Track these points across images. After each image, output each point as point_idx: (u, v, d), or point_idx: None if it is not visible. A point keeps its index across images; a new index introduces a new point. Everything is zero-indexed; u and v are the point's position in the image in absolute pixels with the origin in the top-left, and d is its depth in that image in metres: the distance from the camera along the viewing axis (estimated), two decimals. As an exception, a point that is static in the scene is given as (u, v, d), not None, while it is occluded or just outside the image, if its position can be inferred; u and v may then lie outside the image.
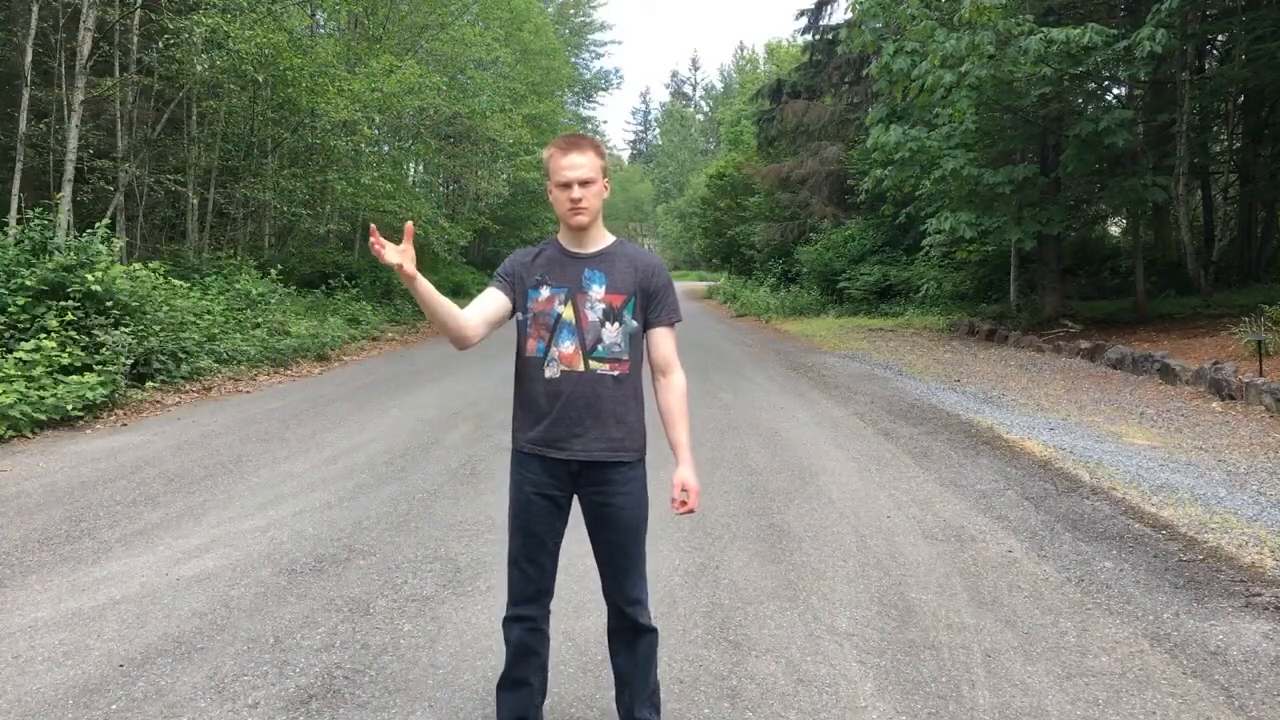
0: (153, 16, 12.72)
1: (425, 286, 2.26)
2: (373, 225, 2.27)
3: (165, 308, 9.81)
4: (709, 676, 3.14)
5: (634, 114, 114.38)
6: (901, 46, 12.72)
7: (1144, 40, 10.48)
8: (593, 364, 2.44)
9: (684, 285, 40.93)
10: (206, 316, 11.03)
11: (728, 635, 3.47)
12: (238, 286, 12.98)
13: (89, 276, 8.67)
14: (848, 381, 10.41)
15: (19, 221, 10.07)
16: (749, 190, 30.29)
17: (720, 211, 34.28)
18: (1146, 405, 8.23)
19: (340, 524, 4.90)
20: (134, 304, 9.20)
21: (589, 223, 2.47)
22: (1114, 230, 20.92)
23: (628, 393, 2.48)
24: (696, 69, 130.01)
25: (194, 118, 15.11)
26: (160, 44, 12.84)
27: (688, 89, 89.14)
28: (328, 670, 3.19)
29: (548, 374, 2.45)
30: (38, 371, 7.74)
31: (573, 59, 46.43)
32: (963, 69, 11.79)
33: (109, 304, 8.82)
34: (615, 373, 2.46)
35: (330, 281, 17.11)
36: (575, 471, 2.48)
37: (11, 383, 7.42)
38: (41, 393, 7.52)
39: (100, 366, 8.29)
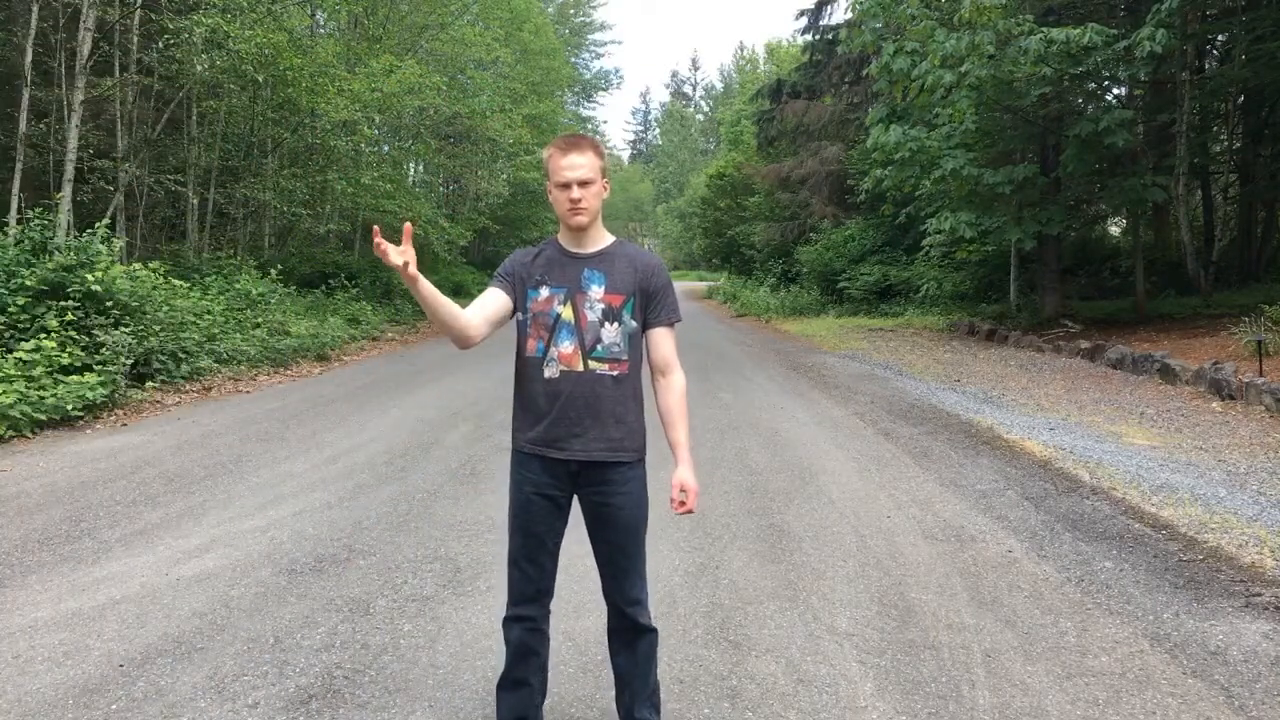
0: (153, 16, 12.72)
1: (427, 287, 2.26)
2: (376, 227, 2.27)
3: (165, 308, 9.81)
4: (709, 676, 3.14)
5: (634, 114, 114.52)
6: (901, 46, 12.72)
7: (1144, 40, 10.48)
8: (592, 364, 2.44)
9: (684, 285, 40.95)
10: (206, 316, 11.03)
11: (728, 635, 3.47)
12: (238, 286, 12.98)
13: (89, 276, 8.67)
14: (848, 381, 10.41)
15: (19, 221, 10.07)
16: (749, 190, 30.30)
17: (720, 211, 34.28)
18: (1146, 405, 8.23)
19: (340, 524, 4.90)
20: (134, 304, 9.20)
21: (588, 223, 2.47)
22: (1114, 230, 20.92)
23: (627, 393, 2.48)
24: (696, 69, 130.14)
25: (194, 118, 15.11)
26: (160, 44, 12.84)
27: (688, 89, 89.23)
28: (328, 670, 3.19)
29: (547, 374, 2.45)
30: (38, 371, 7.74)
31: (573, 59, 46.42)
32: (963, 69, 11.79)
33: (109, 304, 8.82)
34: (614, 373, 2.46)
35: (330, 281, 17.11)
36: (575, 471, 2.48)
37: (11, 383, 7.42)
38: (41, 393, 7.52)
39: (100, 366, 8.29)
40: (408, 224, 2.31)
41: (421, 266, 2.26)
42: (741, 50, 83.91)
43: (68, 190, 11.09)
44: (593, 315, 2.45)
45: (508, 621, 2.57)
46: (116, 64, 12.91)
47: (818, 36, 25.93)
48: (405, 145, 23.02)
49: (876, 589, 3.93)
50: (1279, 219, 15.56)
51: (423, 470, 6.13)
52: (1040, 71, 11.39)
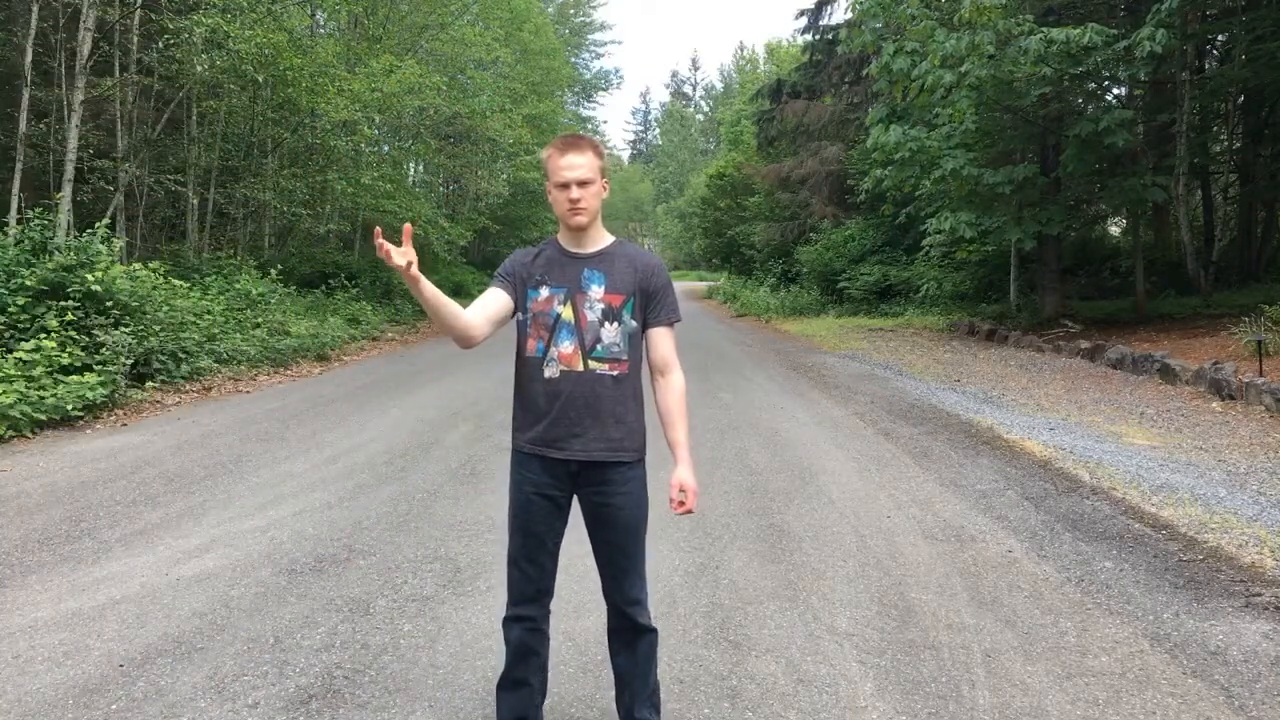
0: (153, 16, 12.72)
1: (429, 288, 2.26)
2: (378, 229, 2.27)
3: (165, 308, 9.81)
4: (709, 676, 3.14)
5: (634, 114, 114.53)
6: (901, 46, 12.72)
7: (1144, 40, 10.48)
8: (592, 364, 2.44)
9: (684, 285, 40.95)
10: (206, 316, 11.03)
11: (728, 635, 3.47)
12: (238, 286, 12.98)
13: (89, 276, 8.67)
14: (848, 381, 10.41)
15: (19, 221, 10.07)
16: (749, 190, 30.30)
17: (720, 211, 34.28)
18: (1146, 405, 8.23)
19: (340, 524, 4.90)
20: (134, 304, 9.20)
21: (587, 223, 2.47)
22: (1114, 230, 20.92)
23: (627, 393, 2.48)
24: (696, 69, 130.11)
25: (194, 118, 15.11)
26: (160, 44, 12.84)
27: (688, 89, 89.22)
28: (328, 670, 3.19)
29: (547, 374, 2.45)
30: (38, 371, 7.74)
31: (573, 59, 46.41)
32: (963, 69, 11.79)
33: (109, 304, 8.82)
34: (614, 373, 2.46)
35: (330, 281, 17.11)
36: (575, 471, 2.48)
37: (11, 383, 7.42)
38: (41, 393, 7.52)
39: (100, 366, 8.29)
40: (407, 225, 2.31)
41: (421, 266, 2.26)
42: (741, 50, 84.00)
43: (68, 190, 11.09)
44: (593, 315, 2.45)
45: (508, 621, 2.57)
46: (116, 64, 12.91)
47: (818, 36, 25.93)
48: (405, 145, 23.02)
49: (876, 589, 3.93)
50: (1279, 219, 15.56)
51: (423, 470, 6.13)
52: (1040, 71, 11.39)
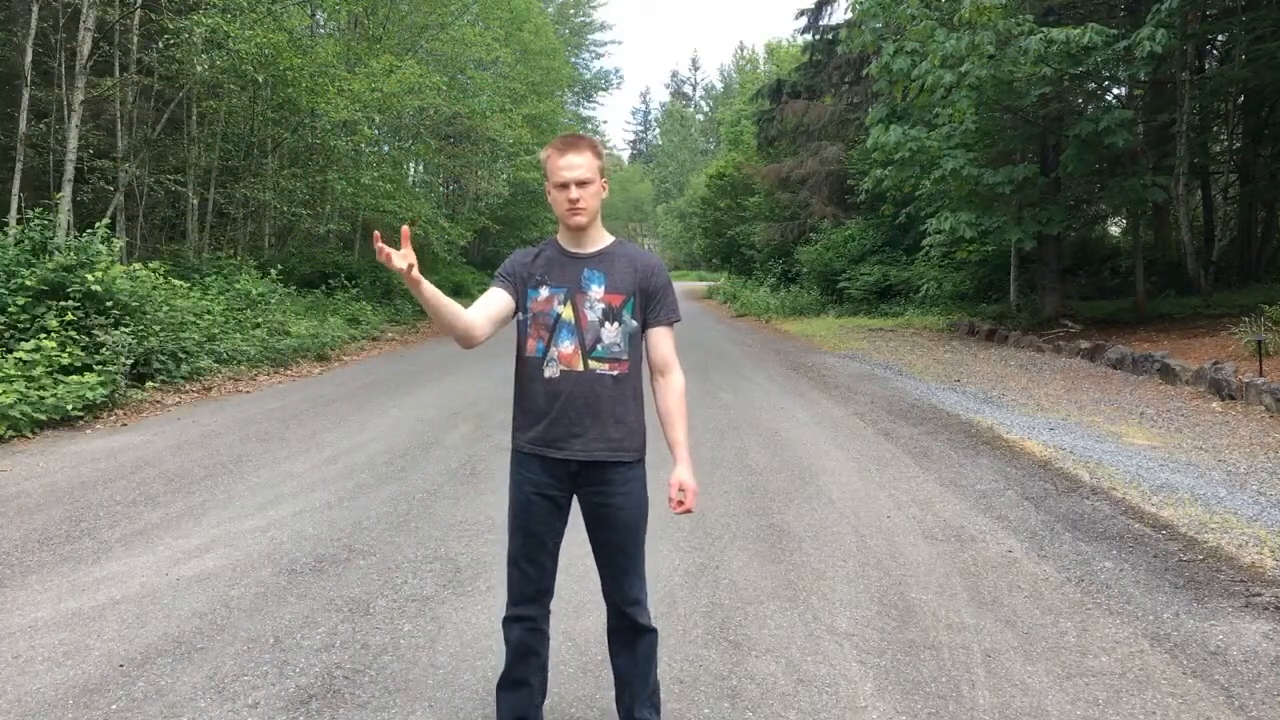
0: (153, 16, 12.72)
1: (430, 289, 2.26)
2: (377, 232, 2.27)
3: (165, 308, 9.82)
4: (709, 676, 3.14)
5: (634, 114, 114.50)
6: (901, 46, 12.72)
7: (1144, 40, 10.48)
8: (592, 364, 2.44)
9: (684, 285, 40.96)
10: (206, 316, 11.03)
11: (728, 635, 3.47)
12: (238, 286, 12.99)
13: (89, 276, 8.67)
14: (848, 381, 10.41)
15: (19, 221, 10.07)
16: (749, 190, 30.30)
17: (720, 211, 34.28)
18: (1146, 405, 8.23)
19: (340, 524, 4.90)
20: (134, 304, 9.20)
21: (587, 223, 2.47)
22: (1114, 230, 20.92)
23: (627, 393, 2.48)
24: (696, 69, 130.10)
25: (194, 118, 15.12)
26: (160, 44, 12.84)
27: (688, 89, 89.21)
28: (328, 670, 3.19)
29: (547, 374, 2.45)
30: (38, 371, 7.74)
31: (573, 59, 46.40)
32: (963, 69, 11.79)
33: (109, 304, 8.82)
34: (614, 372, 2.46)
35: (330, 281, 17.11)
36: (575, 471, 2.48)
37: (11, 383, 7.42)
38: (41, 393, 7.52)
39: (100, 366, 8.29)
40: (405, 227, 2.31)
41: (421, 267, 2.25)
42: (741, 50, 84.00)
43: (68, 190, 11.09)
44: (593, 315, 2.45)
45: (508, 621, 2.57)
46: (116, 64, 12.91)
47: (818, 36, 25.94)
48: (405, 145, 23.02)
49: (876, 589, 3.93)
50: (1279, 219, 15.56)
51: (423, 470, 6.13)
52: (1040, 71, 11.39)
